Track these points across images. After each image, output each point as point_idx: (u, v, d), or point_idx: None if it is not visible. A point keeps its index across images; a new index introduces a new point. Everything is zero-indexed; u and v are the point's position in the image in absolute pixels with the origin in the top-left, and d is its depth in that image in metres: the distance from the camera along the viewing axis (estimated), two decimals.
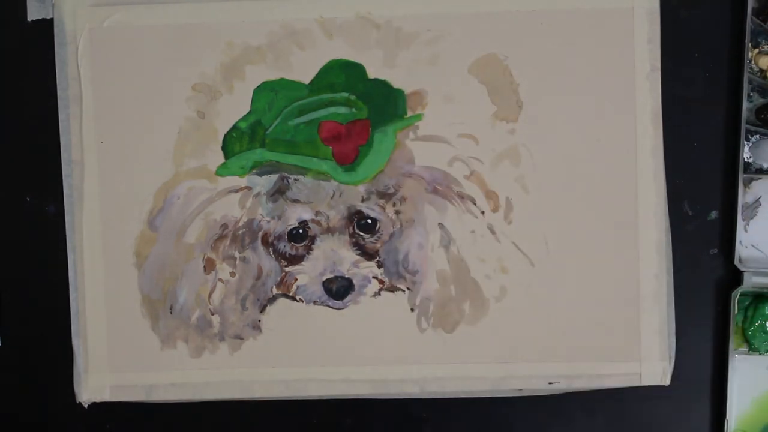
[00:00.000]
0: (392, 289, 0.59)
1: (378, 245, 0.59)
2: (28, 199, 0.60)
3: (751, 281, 0.58)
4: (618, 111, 0.58)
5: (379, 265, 0.59)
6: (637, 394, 0.59)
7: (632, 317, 0.58)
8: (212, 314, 0.59)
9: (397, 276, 0.59)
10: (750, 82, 0.58)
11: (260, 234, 0.59)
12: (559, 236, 0.58)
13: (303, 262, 0.59)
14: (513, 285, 0.59)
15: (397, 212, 0.59)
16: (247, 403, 0.59)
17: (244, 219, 0.59)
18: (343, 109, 0.59)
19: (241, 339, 0.59)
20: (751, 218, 0.59)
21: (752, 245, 0.59)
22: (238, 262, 0.59)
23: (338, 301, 0.59)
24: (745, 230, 0.59)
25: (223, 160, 0.59)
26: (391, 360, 0.59)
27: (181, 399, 0.59)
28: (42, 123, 0.59)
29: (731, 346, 0.58)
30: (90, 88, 0.59)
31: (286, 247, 0.59)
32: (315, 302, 0.59)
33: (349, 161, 0.59)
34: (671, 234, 0.59)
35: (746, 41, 0.58)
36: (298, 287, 0.59)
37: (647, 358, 0.58)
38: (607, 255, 0.58)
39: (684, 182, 0.59)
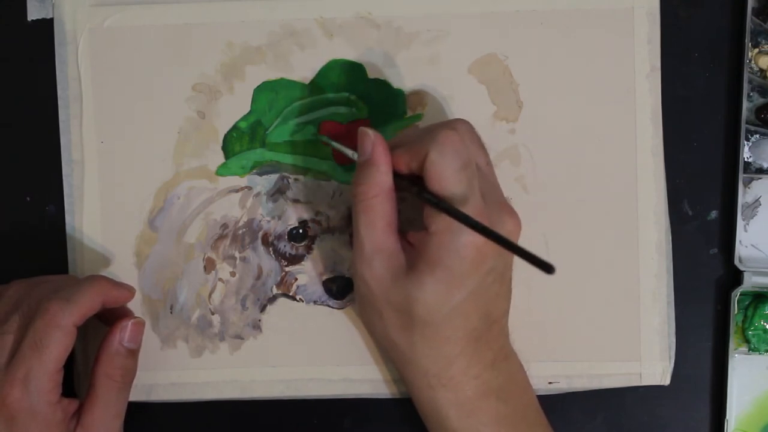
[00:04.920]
0: None
1: None
2: (28, 199, 0.60)
3: (751, 281, 0.58)
4: (618, 111, 0.58)
5: None
6: (637, 394, 0.59)
7: (632, 317, 0.58)
8: (212, 314, 0.59)
9: None
10: (750, 82, 0.58)
11: (260, 234, 0.59)
12: (559, 236, 0.58)
13: (303, 262, 0.59)
14: (513, 285, 0.58)
15: (397, 212, 0.59)
16: (247, 403, 0.59)
17: (245, 219, 0.59)
18: (343, 109, 0.59)
19: (242, 339, 0.59)
20: (751, 218, 0.59)
21: (752, 245, 0.59)
22: (238, 261, 0.59)
23: (338, 301, 0.59)
24: (745, 230, 0.59)
25: (224, 160, 0.59)
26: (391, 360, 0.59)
27: (181, 399, 0.59)
28: (42, 123, 0.59)
29: (731, 346, 0.58)
30: (90, 88, 0.59)
31: (286, 246, 0.59)
32: (315, 302, 0.59)
33: (349, 161, 0.59)
34: (671, 234, 0.59)
35: (746, 41, 0.58)
36: (298, 287, 0.59)
37: (647, 358, 0.58)
38: (607, 255, 0.58)
39: (684, 182, 0.59)
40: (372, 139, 0.52)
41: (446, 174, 0.50)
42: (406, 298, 0.51)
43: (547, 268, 0.45)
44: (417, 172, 0.52)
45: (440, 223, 0.50)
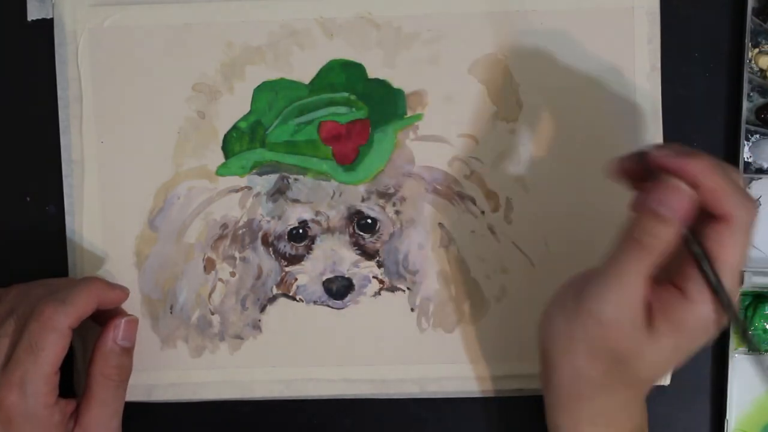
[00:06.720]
0: (392, 289, 0.59)
1: (378, 245, 0.59)
2: (28, 199, 0.60)
3: (751, 281, 0.58)
4: (618, 111, 0.58)
5: (380, 265, 0.59)
6: None
7: None
8: (212, 314, 0.59)
9: (397, 276, 0.59)
10: (750, 82, 0.58)
11: (260, 234, 0.59)
12: (559, 236, 0.58)
13: (303, 262, 0.59)
14: (513, 285, 0.59)
15: (397, 212, 0.59)
16: (247, 403, 0.59)
17: (244, 219, 0.59)
18: (343, 109, 0.59)
19: (241, 339, 0.59)
20: None
21: (752, 245, 0.59)
22: (238, 261, 0.59)
23: (338, 301, 0.59)
24: None
25: (223, 160, 0.59)
26: (391, 360, 0.59)
27: (181, 399, 0.59)
28: (42, 123, 0.59)
29: (731, 346, 0.58)
30: (90, 88, 0.59)
31: (286, 247, 0.59)
32: (315, 302, 0.59)
33: (349, 161, 0.59)
34: None
35: (746, 41, 0.58)
36: (298, 287, 0.59)
37: None
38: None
39: None
40: (687, 198, 0.46)
41: (737, 251, 0.47)
42: (634, 351, 0.48)
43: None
44: (699, 204, 0.47)
45: (704, 293, 0.47)
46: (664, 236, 0.47)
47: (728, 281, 0.47)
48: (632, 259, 0.47)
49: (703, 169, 0.46)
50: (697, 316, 0.47)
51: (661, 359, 0.48)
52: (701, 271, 0.47)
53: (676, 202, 0.46)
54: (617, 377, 0.49)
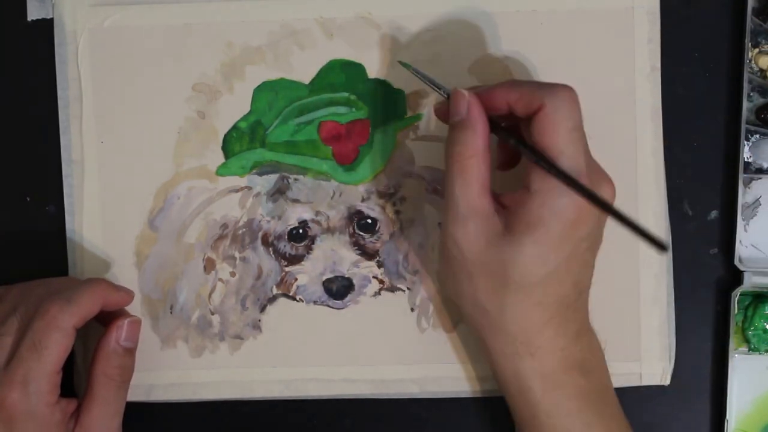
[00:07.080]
0: (392, 289, 0.59)
1: (378, 245, 0.59)
2: (28, 199, 0.60)
3: (751, 281, 0.58)
4: (618, 111, 0.58)
5: (380, 265, 0.59)
6: (637, 394, 0.59)
7: (632, 317, 0.58)
8: (212, 314, 0.59)
9: (397, 276, 0.59)
10: (750, 82, 0.58)
11: (260, 234, 0.59)
12: None
13: (303, 262, 0.59)
14: None
15: (397, 212, 0.59)
16: (247, 403, 0.59)
17: (244, 219, 0.59)
18: (343, 109, 0.59)
19: (241, 339, 0.59)
20: (751, 218, 0.59)
21: (752, 245, 0.59)
22: (238, 262, 0.59)
23: (338, 301, 0.59)
24: (745, 230, 0.59)
25: (223, 160, 0.59)
26: (391, 360, 0.59)
27: (181, 399, 0.59)
28: (42, 123, 0.59)
29: (731, 346, 0.58)
30: (90, 88, 0.59)
31: (286, 247, 0.59)
32: (315, 302, 0.59)
33: (349, 161, 0.59)
34: (671, 234, 0.59)
35: (746, 41, 0.58)
36: (298, 287, 0.59)
37: (647, 358, 0.58)
38: (607, 255, 0.58)
39: (684, 182, 0.59)
40: (467, 99, 0.51)
41: (559, 131, 0.49)
42: (501, 261, 0.50)
43: (661, 246, 0.46)
44: (519, 114, 0.50)
45: (543, 182, 0.49)
46: (468, 141, 0.50)
47: (571, 163, 0.49)
48: (455, 174, 0.51)
49: (503, 90, 0.51)
50: (542, 204, 0.49)
51: (532, 259, 0.49)
52: (529, 158, 0.50)
53: (461, 107, 0.51)
54: (504, 292, 0.50)
